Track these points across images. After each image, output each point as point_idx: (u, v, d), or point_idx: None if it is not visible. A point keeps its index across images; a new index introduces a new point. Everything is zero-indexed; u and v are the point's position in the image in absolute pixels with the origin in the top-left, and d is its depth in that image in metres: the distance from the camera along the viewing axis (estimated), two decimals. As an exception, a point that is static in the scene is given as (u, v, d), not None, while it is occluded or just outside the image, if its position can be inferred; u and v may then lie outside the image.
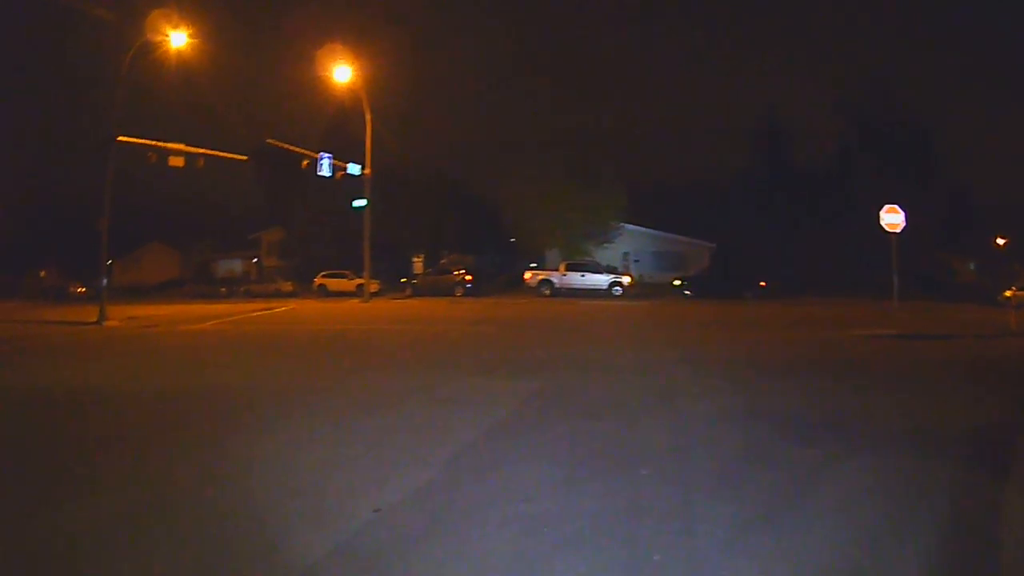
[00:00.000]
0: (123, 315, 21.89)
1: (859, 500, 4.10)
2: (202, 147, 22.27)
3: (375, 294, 30.31)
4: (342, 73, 27.39)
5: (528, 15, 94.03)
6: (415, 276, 34.84)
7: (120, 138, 20.12)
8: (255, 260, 51.66)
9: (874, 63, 65.30)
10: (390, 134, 32.05)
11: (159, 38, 19.76)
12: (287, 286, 37.53)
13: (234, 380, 9.02)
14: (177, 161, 21.19)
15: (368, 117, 28.69)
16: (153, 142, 21.02)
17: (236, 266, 52.45)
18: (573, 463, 4.82)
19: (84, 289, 47.07)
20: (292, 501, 4.05)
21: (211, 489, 4.34)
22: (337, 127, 37.56)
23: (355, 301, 28.63)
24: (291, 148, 27.47)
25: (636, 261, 36.96)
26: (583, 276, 27.69)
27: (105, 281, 20.24)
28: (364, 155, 29.14)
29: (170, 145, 21.20)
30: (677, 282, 27.69)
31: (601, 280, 27.46)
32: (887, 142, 35.74)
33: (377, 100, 29.65)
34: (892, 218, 15.57)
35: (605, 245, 35.29)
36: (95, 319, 18.98)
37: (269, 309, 24.32)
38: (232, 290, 39.75)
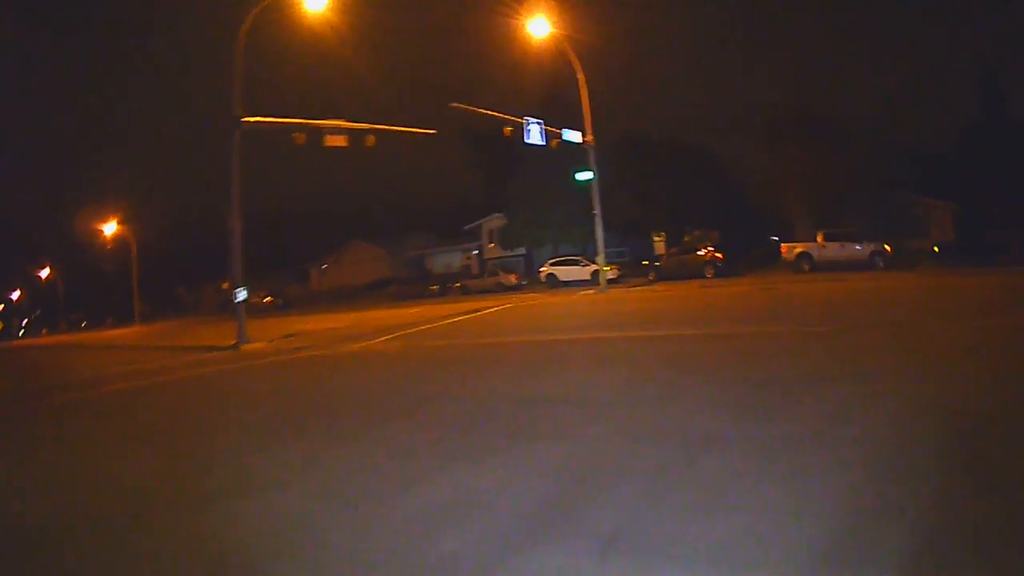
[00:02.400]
0: (288, 330, 18.99)
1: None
2: (386, 124, 18.32)
3: (613, 281, 26.83)
4: (540, 27, 22.99)
5: None
6: (658, 258, 30.74)
7: (245, 119, 16.24)
8: (475, 252, 48.19)
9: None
10: (611, 98, 28.06)
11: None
12: (510, 278, 34.05)
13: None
14: (337, 140, 17.54)
15: (580, 77, 24.48)
16: (287, 119, 17.03)
17: (454, 260, 49.41)
18: None
19: (271, 299, 45.61)
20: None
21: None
22: (553, 97, 33.68)
23: (590, 292, 24.50)
24: (484, 112, 23.03)
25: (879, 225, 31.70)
26: (842, 247, 24.84)
27: (243, 292, 16.68)
28: (583, 121, 24.73)
29: (324, 123, 17.31)
30: (936, 248, 25.03)
31: (861, 250, 24.52)
32: None
33: (594, 63, 24.91)
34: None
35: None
36: (234, 341, 15.92)
37: (476, 311, 19.82)
38: (445, 287, 36.80)
